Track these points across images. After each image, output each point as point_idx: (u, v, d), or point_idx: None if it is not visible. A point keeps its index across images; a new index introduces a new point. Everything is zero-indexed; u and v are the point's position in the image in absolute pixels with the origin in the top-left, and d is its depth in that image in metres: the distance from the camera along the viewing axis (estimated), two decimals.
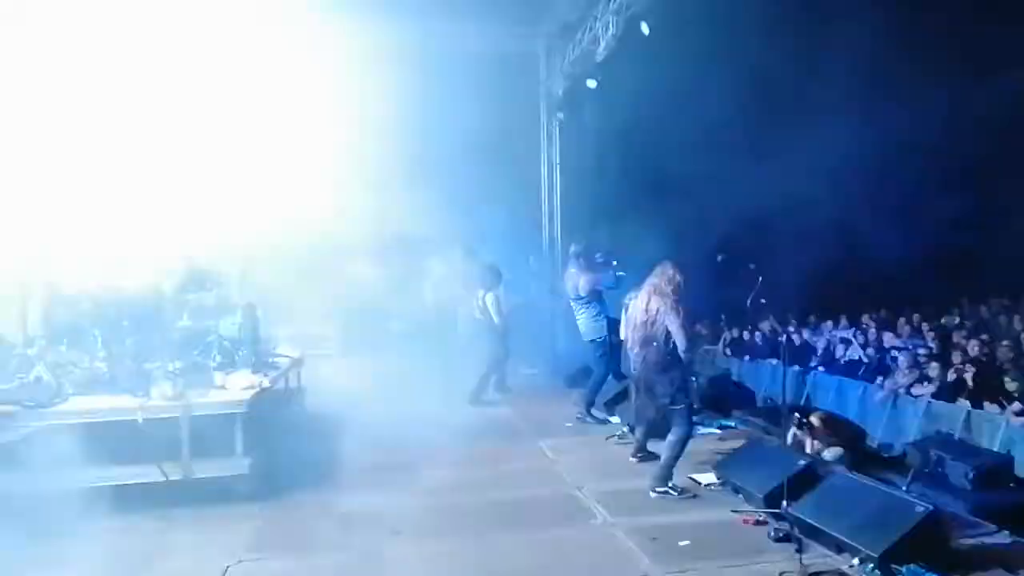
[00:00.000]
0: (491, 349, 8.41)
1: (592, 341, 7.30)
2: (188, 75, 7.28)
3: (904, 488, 5.29)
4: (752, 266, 5.91)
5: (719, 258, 6.50)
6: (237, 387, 5.31)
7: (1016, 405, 7.56)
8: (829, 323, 11.84)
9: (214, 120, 7.44)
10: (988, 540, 4.18)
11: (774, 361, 10.33)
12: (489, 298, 8.23)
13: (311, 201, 8.02)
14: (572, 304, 7.43)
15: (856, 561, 3.85)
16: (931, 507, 3.90)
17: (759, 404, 9.55)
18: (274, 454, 5.55)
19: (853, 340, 10.44)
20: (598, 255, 7.42)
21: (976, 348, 8.98)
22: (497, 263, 8.55)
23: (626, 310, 5.57)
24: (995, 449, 7.10)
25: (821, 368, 10.11)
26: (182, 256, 6.50)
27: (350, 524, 4.60)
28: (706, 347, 12.28)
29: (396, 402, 7.36)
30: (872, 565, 3.75)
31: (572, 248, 7.63)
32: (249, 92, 7.78)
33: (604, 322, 7.14)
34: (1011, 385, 7.75)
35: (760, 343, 11.88)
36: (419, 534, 4.45)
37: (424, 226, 9.35)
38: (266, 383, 5.54)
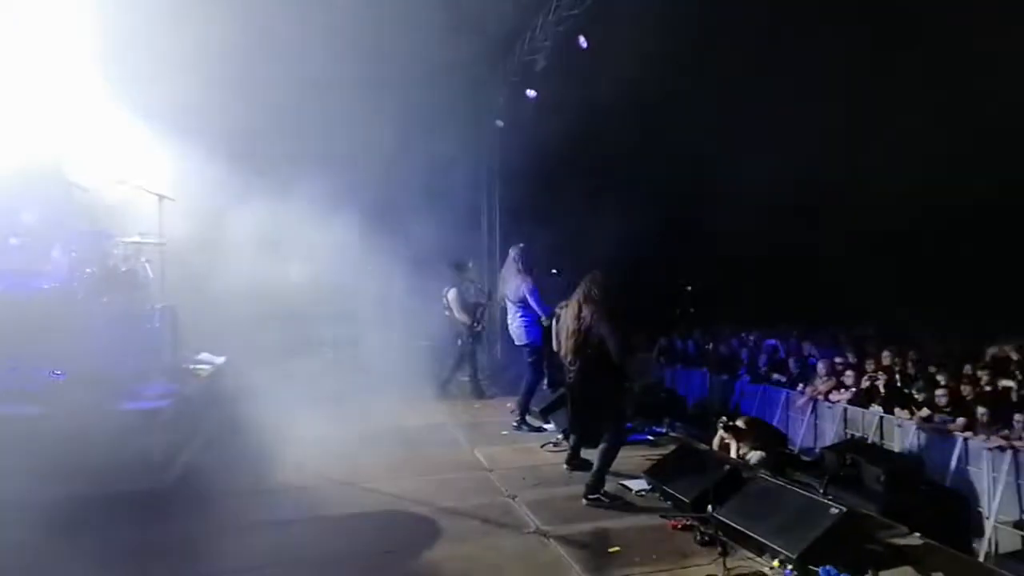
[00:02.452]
0: (460, 344, 8.87)
1: (525, 346, 7.26)
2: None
3: (820, 491, 5.51)
4: (685, 284, 6.06)
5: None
6: (154, 395, 5.07)
7: (924, 411, 8.02)
8: (756, 333, 12.27)
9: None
10: (900, 541, 4.36)
11: (704, 369, 10.62)
12: (451, 294, 8.68)
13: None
14: (509, 306, 7.34)
15: (776, 563, 3.97)
16: (844, 509, 4.07)
17: (690, 410, 9.81)
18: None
19: (778, 349, 10.86)
20: (533, 262, 7.39)
21: (888, 357, 9.47)
22: (461, 259, 9.02)
23: (557, 319, 5.58)
24: (904, 453, 7.51)
25: (747, 376, 10.46)
26: (98, 257, 6.16)
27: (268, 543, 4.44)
28: (640, 355, 12.53)
29: (329, 409, 7.16)
30: (791, 566, 3.88)
31: (512, 251, 7.38)
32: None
33: (538, 328, 7.10)
34: (918, 393, 8.23)
35: (691, 352, 12.21)
36: (346, 548, 4.34)
37: (363, 229, 9.19)
38: (185, 391, 5.32)
